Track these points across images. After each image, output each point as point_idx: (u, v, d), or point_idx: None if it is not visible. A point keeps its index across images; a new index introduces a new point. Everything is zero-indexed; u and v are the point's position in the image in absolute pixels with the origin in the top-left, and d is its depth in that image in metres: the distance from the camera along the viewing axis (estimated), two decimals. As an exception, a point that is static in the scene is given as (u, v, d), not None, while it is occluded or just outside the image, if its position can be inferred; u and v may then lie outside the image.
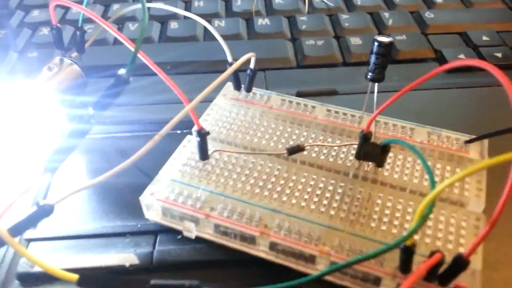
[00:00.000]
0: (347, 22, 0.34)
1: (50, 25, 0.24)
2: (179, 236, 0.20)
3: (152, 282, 0.15)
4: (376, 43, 0.20)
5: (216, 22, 0.34)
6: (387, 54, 0.20)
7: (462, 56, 0.31)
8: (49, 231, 0.20)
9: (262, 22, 0.34)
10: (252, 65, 0.24)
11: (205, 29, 0.34)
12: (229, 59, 0.24)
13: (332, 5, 0.36)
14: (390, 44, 0.20)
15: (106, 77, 0.29)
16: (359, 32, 0.33)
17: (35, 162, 0.23)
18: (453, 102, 0.28)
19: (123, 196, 0.22)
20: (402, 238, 0.15)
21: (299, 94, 0.28)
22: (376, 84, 0.21)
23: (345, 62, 0.31)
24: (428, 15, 0.35)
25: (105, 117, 0.26)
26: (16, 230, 0.15)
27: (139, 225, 0.21)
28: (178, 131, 0.25)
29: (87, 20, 0.35)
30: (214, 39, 0.32)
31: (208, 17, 0.35)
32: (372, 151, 0.19)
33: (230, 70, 0.20)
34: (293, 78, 0.30)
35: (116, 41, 0.33)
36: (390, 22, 0.34)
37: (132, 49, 0.16)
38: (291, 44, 0.32)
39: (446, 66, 0.17)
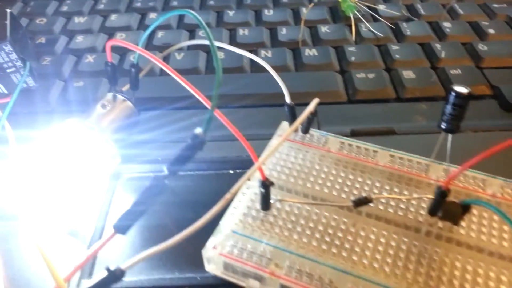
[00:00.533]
0: (398, 54, 0.33)
1: (104, 63, 0.23)
2: (242, 292, 0.19)
3: None
4: (453, 93, 0.19)
5: (263, 53, 0.33)
6: (465, 105, 0.19)
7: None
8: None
9: (309, 52, 0.33)
10: (312, 109, 0.23)
11: (251, 61, 0.33)
12: (288, 100, 0.23)
13: (381, 35, 0.35)
14: (469, 95, 0.18)
15: (154, 109, 0.28)
16: (411, 64, 0.32)
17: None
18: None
19: (179, 245, 0.21)
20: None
21: (354, 133, 0.26)
22: (450, 135, 0.20)
23: (399, 98, 0.30)
24: (482, 47, 0.33)
25: (158, 155, 0.25)
26: None
27: (198, 278, 0.19)
28: (231, 171, 0.24)
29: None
30: (261, 70, 0.32)
31: (254, 46, 0.34)
32: (452, 210, 0.18)
33: (304, 115, 0.19)
34: (346, 114, 0.28)
35: (162, 72, 0.32)
36: (442, 55, 0.32)
37: (208, 106, 0.15)
38: (341, 77, 0.31)
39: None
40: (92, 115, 0.23)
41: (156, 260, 0.20)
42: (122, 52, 0.34)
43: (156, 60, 0.19)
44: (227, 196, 0.16)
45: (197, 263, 0.20)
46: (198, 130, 0.14)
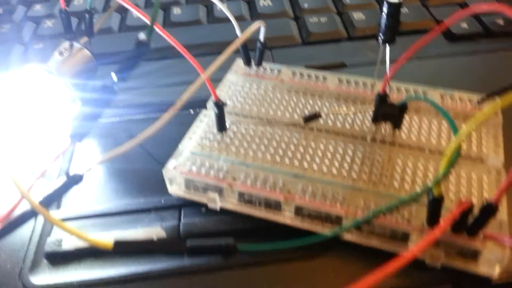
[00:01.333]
0: (349, -1, 0.34)
1: (58, 11, 0.24)
2: (204, 209, 0.20)
3: (189, 243, 0.15)
4: (386, 4, 0.20)
5: (218, 5, 0.34)
6: (397, 14, 0.20)
7: (465, 25, 0.31)
8: (74, 211, 0.20)
9: (264, 3, 0.34)
10: (261, 37, 0.23)
11: (208, 13, 0.34)
12: (239, 34, 0.24)
13: (332, -17, 0.36)
14: (399, 4, 0.20)
15: (114, 63, 0.29)
16: (361, 7, 0.33)
17: (60, 134, 0.22)
18: (460, 68, 0.28)
19: (143, 175, 0.22)
20: (430, 185, 0.15)
21: (307, 68, 0.27)
22: (388, 47, 0.21)
23: (350, 37, 0.31)
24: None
25: (119, 100, 0.26)
26: (49, 200, 0.15)
27: (162, 201, 0.20)
28: (191, 111, 0.25)
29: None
30: (218, 22, 0.33)
31: (209, 1, 0.35)
32: (390, 111, 0.19)
33: (242, 38, 0.19)
34: (300, 55, 0.29)
35: (121, 29, 0.33)
36: (390, -3, 0.34)
37: (147, 22, 0.16)
38: (295, 23, 0.32)
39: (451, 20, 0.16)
40: (50, 61, 0.23)
41: (121, 190, 0.21)
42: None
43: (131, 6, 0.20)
44: (178, 102, 0.17)
45: (160, 189, 0.21)
46: (142, 36, 0.15)
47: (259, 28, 0.23)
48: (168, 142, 0.21)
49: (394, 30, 0.20)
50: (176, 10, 0.34)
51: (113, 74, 0.15)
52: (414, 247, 0.13)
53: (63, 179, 0.15)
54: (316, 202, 0.18)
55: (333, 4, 0.34)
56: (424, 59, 0.28)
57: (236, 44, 0.19)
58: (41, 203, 0.15)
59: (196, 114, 0.23)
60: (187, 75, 0.23)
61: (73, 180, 0.15)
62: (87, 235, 0.15)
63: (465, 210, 0.15)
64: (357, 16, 0.32)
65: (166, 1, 0.35)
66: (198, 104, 0.24)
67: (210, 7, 0.34)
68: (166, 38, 0.19)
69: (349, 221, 0.18)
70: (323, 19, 0.32)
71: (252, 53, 0.25)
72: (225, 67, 0.25)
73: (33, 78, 0.22)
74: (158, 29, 0.18)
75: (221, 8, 0.23)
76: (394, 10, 0.19)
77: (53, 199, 0.15)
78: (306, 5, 0.33)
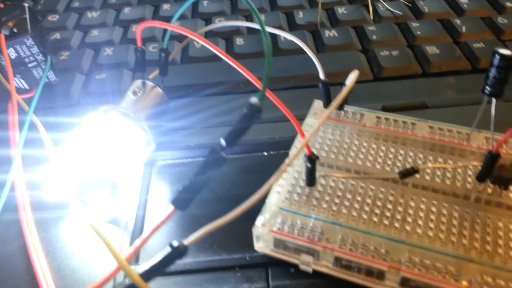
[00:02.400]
0: (419, 31, 0.32)
1: (133, 49, 0.23)
2: (293, 270, 0.18)
3: None
4: (497, 56, 0.18)
5: (282, 36, 0.33)
6: (509, 67, 0.18)
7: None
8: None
9: (329, 33, 0.32)
10: (348, 82, 0.22)
11: (273, 44, 0.33)
12: (322, 76, 0.22)
13: (400, 13, 0.34)
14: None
15: (180, 98, 0.28)
16: (433, 40, 0.31)
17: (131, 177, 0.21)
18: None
19: (223, 227, 0.20)
20: None
21: (386, 109, 0.26)
22: (494, 100, 0.19)
23: (425, 73, 0.29)
24: (501, 20, 0.33)
25: (189, 141, 0.25)
26: (150, 274, 0.14)
27: (247, 257, 0.19)
28: (265, 153, 0.24)
29: (149, 39, 0.34)
30: (282, 54, 0.31)
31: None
32: (503, 173, 0.18)
33: (348, 87, 0.18)
34: (374, 92, 0.28)
35: (183, 61, 0.32)
36: (463, 29, 0.32)
37: (258, 86, 0.15)
38: (364, 56, 0.31)
39: None
40: (124, 102, 0.23)
41: (201, 243, 0.20)
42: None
43: (197, 38, 0.19)
44: (283, 167, 0.16)
45: (244, 243, 0.19)
46: (254, 99, 0.14)
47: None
48: (246, 187, 0.19)
49: (504, 83, 0.19)
50: (239, 40, 0.33)
51: (221, 140, 0.14)
52: None
53: (166, 251, 0.14)
54: (426, 275, 0.16)
55: (403, 36, 0.32)
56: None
57: (343, 94, 0.18)
58: (143, 275, 0.13)
59: (270, 157, 0.21)
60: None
61: (178, 253, 0.13)
62: None
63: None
64: (431, 49, 0.30)
65: (228, 30, 0.34)
66: (271, 146, 0.23)
67: (273, 38, 0.33)
68: (276, 103, 0.18)
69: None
70: (394, 53, 0.30)
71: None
72: (300, 105, 0.24)
73: (112, 121, 0.21)
74: (270, 96, 0.17)
75: (291, 39, 0.22)
76: (507, 63, 0.18)
77: (154, 274, 0.14)
78: (374, 37, 0.32)
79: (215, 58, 0.31)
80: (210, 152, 0.14)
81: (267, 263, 0.19)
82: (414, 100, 0.26)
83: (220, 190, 0.22)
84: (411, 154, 0.21)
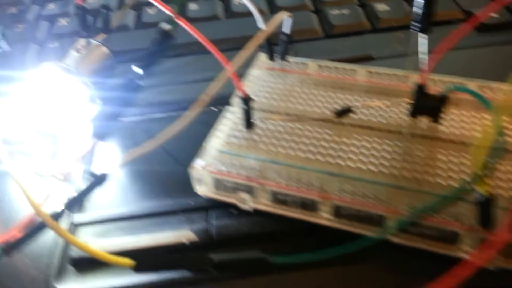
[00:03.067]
0: (370, -10, 0.32)
1: (73, 6, 0.23)
2: (235, 211, 0.19)
3: (217, 259, 0.14)
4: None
5: (236, 0, 0.33)
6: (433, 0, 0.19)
7: (495, 15, 0.29)
8: (98, 214, 0.19)
9: (282, -4, 0.33)
10: (287, 29, 0.22)
11: (225, 8, 0.33)
12: (262, 26, 0.22)
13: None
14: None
15: (133, 60, 0.28)
16: (384, -1, 0.32)
17: (80, 134, 0.21)
18: (492, 59, 0.26)
19: (167, 176, 0.21)
20: (470, 182, 0.13)
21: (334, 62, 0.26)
22: (425, 36, 0.20)
23: (375, 29, 0.29)
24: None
25: (140, 99, 0.25)
26: (73, 202, 0.14)
27: (190, 202, 0.19)
28: (214, 109, 0.24)
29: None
30: (236, 16, 0.32)
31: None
32: (430, 103, 0.18)
33: (269, 28, 0.18)
34: (324, 48, 0.28)
35: (137, 26, 0.32)
36: (414, -13, 0.32)
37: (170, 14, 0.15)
38: (315, 15, 0.31)
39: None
40: (67, 59, 0.23)
41: (145, 191, 0.20)
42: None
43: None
44: (203, 98, 0.16)
45: (186, 190, 0.20)
46: (164, 24, 0.14)
47: (283, 20, 0.22)
48: (191, 142, 0.20)
49: (430, 18, 0.19)
50: (193, 6, 0.33)
51: (136, 68, 0.14)
52: (477, 254, 0.12)
53: (87, 180, 0.14)
54: (356, 201, 0.17)
55: (355, -4, 0.32)
56: (454, 51, 0.27)
57: (263, 35, 0.18)
58: (66, 205, 0.14)
59: (219, 112, 0.22)
60: (210, 71, 0.22)
61: (98, 180, 0.14)
62: (107, 253, 0.14)
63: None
64: (381, 7, 0.30)
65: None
66: (220, 101, 0.23)
67: (227, 2, 0.33)
68: (190, 31, 0.18)
69: (392, 221, 0.17)
70: (345, 11, 0.30)
71: (274, 47, 0.24)
72: (246, 63, 0.24)
73: (51, 77, 0.21)
74: (181, 22, 0.17)
75: (241, 1, 0.22)
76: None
77: (77, 201, 0.14)
78: (326, -2, 0.32)
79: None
80: (125, 79, 0.14)
81: (210, 207, 0.19)
82: (361, 53, 0.27)
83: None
84: (349, 97, 0.21)
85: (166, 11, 0.18)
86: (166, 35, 0.13)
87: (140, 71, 0.14)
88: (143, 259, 0.15)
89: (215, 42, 0.29)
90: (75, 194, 0.14)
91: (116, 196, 0.20)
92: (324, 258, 0.15)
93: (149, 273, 0.17)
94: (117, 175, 0.21)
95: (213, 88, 0.16)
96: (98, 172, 0.14)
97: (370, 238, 0.15)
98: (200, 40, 0.18)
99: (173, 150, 0.22)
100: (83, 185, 0.14)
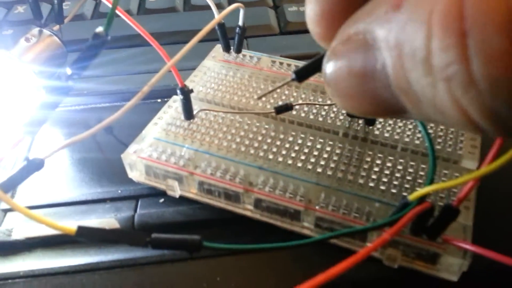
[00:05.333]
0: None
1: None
2: (162, 200, 0.20)
3: (153, 235, 0.15)
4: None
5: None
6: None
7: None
8: (27, 200, 0.20)
9: (243, -10, 0.34)
10: (240, 21, 0.23)
11: (185, 0, 0.34)
12: (217, 17, 0.23)
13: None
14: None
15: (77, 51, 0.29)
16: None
17: (20, 121, 0.22)
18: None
19: (104, 164, 0.22)
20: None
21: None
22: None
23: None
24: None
25: (83, 88, 0.26)
26: (7, 185, 0.15)
27: (119, 191, 0.20)
28: (159, 100, 0.25)
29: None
30: (195, 9, 0.33)
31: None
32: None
33: (217, 18, 0.19)
34: (277, 44, 0.29)
35: (94, 15, 0.33)
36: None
37: (110, 5, 0.16)
38: (273, 12, 0.32)
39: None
40: (15, 47, 0.23)
41: (77, 180, 0.21)
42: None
43: None
44: (144, 88, 0.17)
45: (118, 179, 0.21)
46: (99, 29, 0.15)
47: (238, 14, 0.23)
48: (134, 131, 0.21)
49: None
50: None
51: (67, 69, 0.15)
52: (364, 248, 0.13)
53: (22, 165, 0.15)
54: (275, 196, 0.18)
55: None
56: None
57: (210, 25, 0.19)
58: (1, 185, 0.14)
59: (163, 104, 0.22)
60: (158, 63, 0.22)
61: (34, 165, 0.15)
62: (50, 220, 0.15)
63: (422, 212, 0.15)
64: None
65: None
66: (168, 93, 0.24)
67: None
68: (131, 24, 0.19)
69: (309, 217, 0.18)
70: (302, 9, 0.32)
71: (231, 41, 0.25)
72: (203, 54, 0.25)
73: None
74: (122, 15, 0.18)
75: None
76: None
77: (12, 185, 0.15)
78: (285, -6, 0.33)
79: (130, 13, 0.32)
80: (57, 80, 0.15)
81: (138, 196, 0.20)
82: (312, 50, 0.28)
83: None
84: (294, 94, 0.22)
85: (106, 2, 0.19)
86: (98, 37, 0.14)
87: (69, 71, 0.15)
88: (84, 228, 0.15)
89: (173, 34, 0.30)
90: (9, 177, 0.15)
91: (50, 183, 0.21)
92: (254, 248, 0.16)
93: (88, 241, 0.18)
94: (54, 162, 0.22)
95: (155, 79, 0.17)
96: (33, 158, 0.15)
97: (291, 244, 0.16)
98: (141, 33, 0.19)
99: (115, 139, 0.23)
100: (18, 169, 0.15)
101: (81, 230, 0.14)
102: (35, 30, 0.24)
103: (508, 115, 0.09)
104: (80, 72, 0.16)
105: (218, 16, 0.20)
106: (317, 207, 0.17)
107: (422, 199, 0.15)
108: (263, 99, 0.22)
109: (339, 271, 0.12)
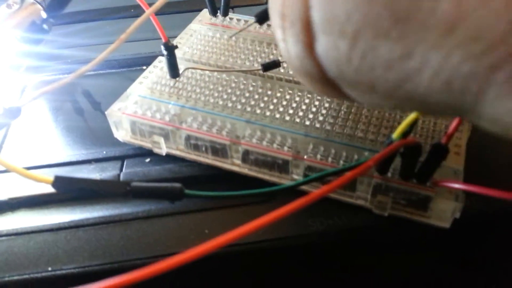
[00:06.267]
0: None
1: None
2: (148, 159, 0.20)
3: (133, 184, 0.15)
4: None
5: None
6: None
7: None
8: (10, 161, 0.20)
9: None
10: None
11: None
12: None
13: None
14: None
15: (71, 23, 0.29)
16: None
17: None
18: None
19: (88, 126, 0.22)
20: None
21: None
22: None
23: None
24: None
25: (66, 56, 0.26)
26: None
27: (104, 152, 0.20)
28: (144, 67, 0.25)
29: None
30: None
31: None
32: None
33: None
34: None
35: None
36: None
37: None
38: None
39: None
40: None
41: (63, 143, 0.21)
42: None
43: None
44: (122, 36, 0.17)
45: (103, 141, 0.21)
46: None
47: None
48: (118, 96, 0.21)
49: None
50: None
51: (42, 12, 0.15)
52: (326, 186, 0.12)
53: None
54: (262, 146, 0.18)
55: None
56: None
57: None
58: None
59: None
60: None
61: (10, 113, 0.14)
62: (27, 171, 0.15)
63: (408, 146, 0.14)
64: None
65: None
66: (153, 60, 0.24)
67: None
68: None
69: (298, 168, 0.18)
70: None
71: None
72: (189, 19, 0.25)
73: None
74: None
75: None
76: None
77: None
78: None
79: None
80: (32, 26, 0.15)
81: (124, 156, 0.20)
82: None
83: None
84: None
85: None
86: None
87: (44, 15, 0.15)
88: (61, 178, 0.15)
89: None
90: None
91: (33, 145, 0.21)
92: (235, 195, 0.16)
93: (66, 191, 0.17)
94: (38, 124, 0.22)
95: (132, 27, 0.17)
96: (9, 106, 0.14)
97: (273, 189, 0.16)
98: None
99: (98, 103, 0.23)
100: None
101: (59, 179, 0.14)
102: None
103: None
104: (56, 13, 0.16)
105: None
106: (305, 157, 0.17)
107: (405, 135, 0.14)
108: (234, 38, 0.23)
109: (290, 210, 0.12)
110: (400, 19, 0.08)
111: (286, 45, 0.10)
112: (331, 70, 0.10)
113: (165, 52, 0.20)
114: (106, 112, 0.19)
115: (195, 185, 0.19)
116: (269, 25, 0.24)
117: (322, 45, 0.09)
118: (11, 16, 0.23)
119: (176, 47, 0.20)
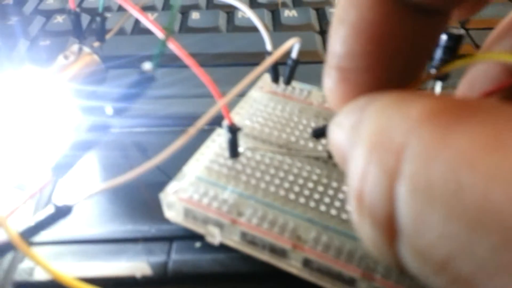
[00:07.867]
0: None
1: (67, 11, 0.23)
2: (198, 244, 0.19)
3: None
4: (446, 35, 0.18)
5: (240, 13, 0.33)
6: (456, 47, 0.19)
7: None
8: (53, 234, 0.19)
9: (289, 13, 0.33)
10: (294, 55, 0.23)
11: (228, 20, 0.33)
12: (269, 48, 0.23)
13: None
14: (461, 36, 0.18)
15: (125, 67, 0.28)
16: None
17: (43, 162, 0.22)
18: None
19: (136, 197, 0.21)
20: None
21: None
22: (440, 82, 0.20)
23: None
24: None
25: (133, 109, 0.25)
26: (30, 232, 0.14)
27: (153, 230, 0.19)
28: (205, 127, 0.24)
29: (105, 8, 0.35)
30: (238, 31, 0.32)
31: (231, 8, 0.34)
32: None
33: (275, 55, 0.18)
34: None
35: (134, 31, 0.32)
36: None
37: (162, 37, 0.15)
38: (320, 37, 0.32)
39: None
40: (53, 65, 0.23)
41: (109, 214, 0.20)
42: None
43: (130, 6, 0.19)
44: (191, 130, 0.16)
45: (152, 216, 0.20)
46: (147, 65, 0.14)
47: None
48: (172, 160, 0.20)
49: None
50: (194, 15, 0.33)
51: (109, 107, 0.14)
52: None
53: (49, 210, 0.14)
54: (328, 257, 0.16)
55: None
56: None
57: (268, 62, 0.18)
58: (22, 233, 0.14)
59: (211, 131, 0.22)
60: (201, 88, 0.22)
61: (61, 213, 0.14)
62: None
63: None
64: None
65: (185, 3, 0.35)
66: (214, 119, 0.23)
67: (231, 14, 0.34)
68: (183, 58, 0.18)
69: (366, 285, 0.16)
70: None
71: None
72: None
73: (29, 82, 0.22)
74: (174, 46, 0.17)
75: (248, 15, 0.23)
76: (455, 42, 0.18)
77: (33, 233, 0.14)
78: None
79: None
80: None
81: (173, 237, 0.19)
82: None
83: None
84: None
85: (158, 32, 0.18)
86: (145, 76, 0.14)
87: (110, 111, 0.14)
88: None
89: (215, 56, 0.29)
90: (32, 223, 0.14)
91: (78, 215, 0.20)
92: None
93: None
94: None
95: (203, 120, 0.16)
96: (62, 202, 0.14)
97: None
98: (195, 70, 0.18)
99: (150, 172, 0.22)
100: (43, 215, 0.14)
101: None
102: (75, 47, 0.24)
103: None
104: (122, 112, 0.15)
105: (277, 53, 0.19)
106: (377, 277, 0.16)
107: None
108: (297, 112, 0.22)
109: None
110: None
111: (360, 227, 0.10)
112: (412, 270, 0.10)
113: (229, 135, 0.19)
114: (160, 195, 0.19)
115: (248, 281, 0.18)
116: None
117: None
118: (68, 67, 0.23)
119: (240, 129, 0.19)
